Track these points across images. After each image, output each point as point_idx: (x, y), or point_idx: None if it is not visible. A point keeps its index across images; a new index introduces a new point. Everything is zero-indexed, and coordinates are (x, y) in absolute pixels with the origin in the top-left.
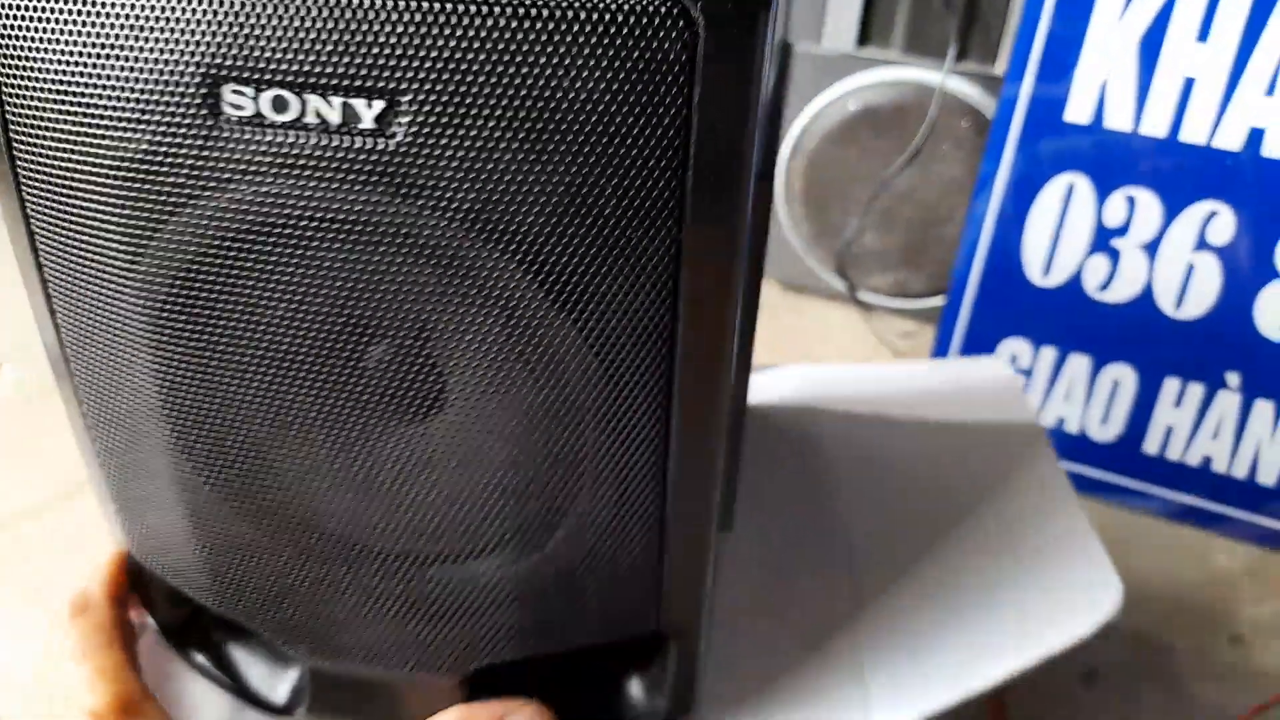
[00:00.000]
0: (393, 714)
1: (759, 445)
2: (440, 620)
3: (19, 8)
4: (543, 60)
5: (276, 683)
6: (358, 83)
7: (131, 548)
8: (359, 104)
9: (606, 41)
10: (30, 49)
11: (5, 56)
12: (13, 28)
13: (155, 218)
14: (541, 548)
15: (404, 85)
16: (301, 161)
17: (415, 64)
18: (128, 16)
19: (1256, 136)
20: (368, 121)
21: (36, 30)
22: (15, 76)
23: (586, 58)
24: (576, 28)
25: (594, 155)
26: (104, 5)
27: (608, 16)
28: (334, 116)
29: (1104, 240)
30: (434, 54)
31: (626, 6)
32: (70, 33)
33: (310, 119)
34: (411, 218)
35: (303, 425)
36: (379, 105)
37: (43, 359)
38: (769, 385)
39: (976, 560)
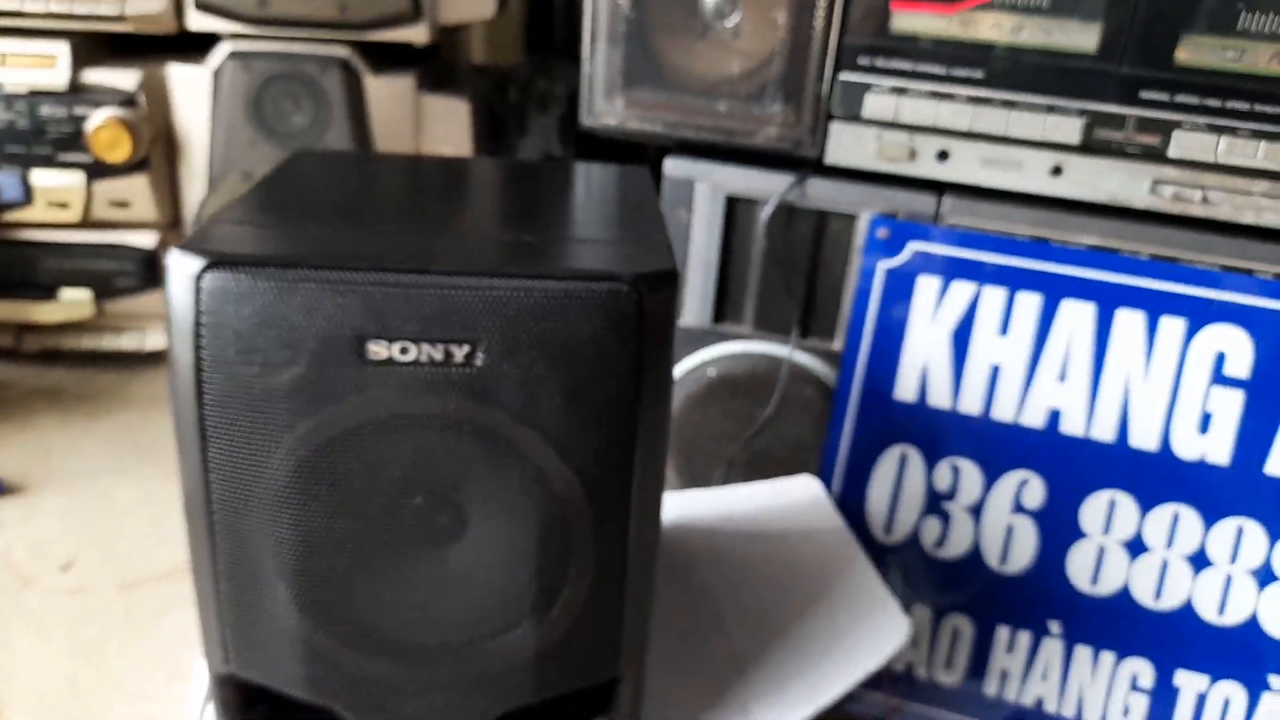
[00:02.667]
0: None
1: None
2: (479, 686)
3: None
4: (560, 320)
5: None
6: (452, 336)
7: (233, 662)
8: (454, 348)
9: (597, 308)
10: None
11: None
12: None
13: (304, 414)
14: (544, 619)
15: (480, 336)
16: (415, 380)
17: (486, 324)
18: (305, 301)
19: (1054, 416)
20: (459, 358)
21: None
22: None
23: (587, 318)
24: (579, 304)
25: (591, 370)
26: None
27: (598, 296)
28: (438, 356)
29: (935, 503)
30: (496, 319)
31: (607, 289)
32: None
33: (423, 359)
34: (482, 413)
35: (374, 561)
36: (466, 349)
37: None
38: None
39: (811, 619)
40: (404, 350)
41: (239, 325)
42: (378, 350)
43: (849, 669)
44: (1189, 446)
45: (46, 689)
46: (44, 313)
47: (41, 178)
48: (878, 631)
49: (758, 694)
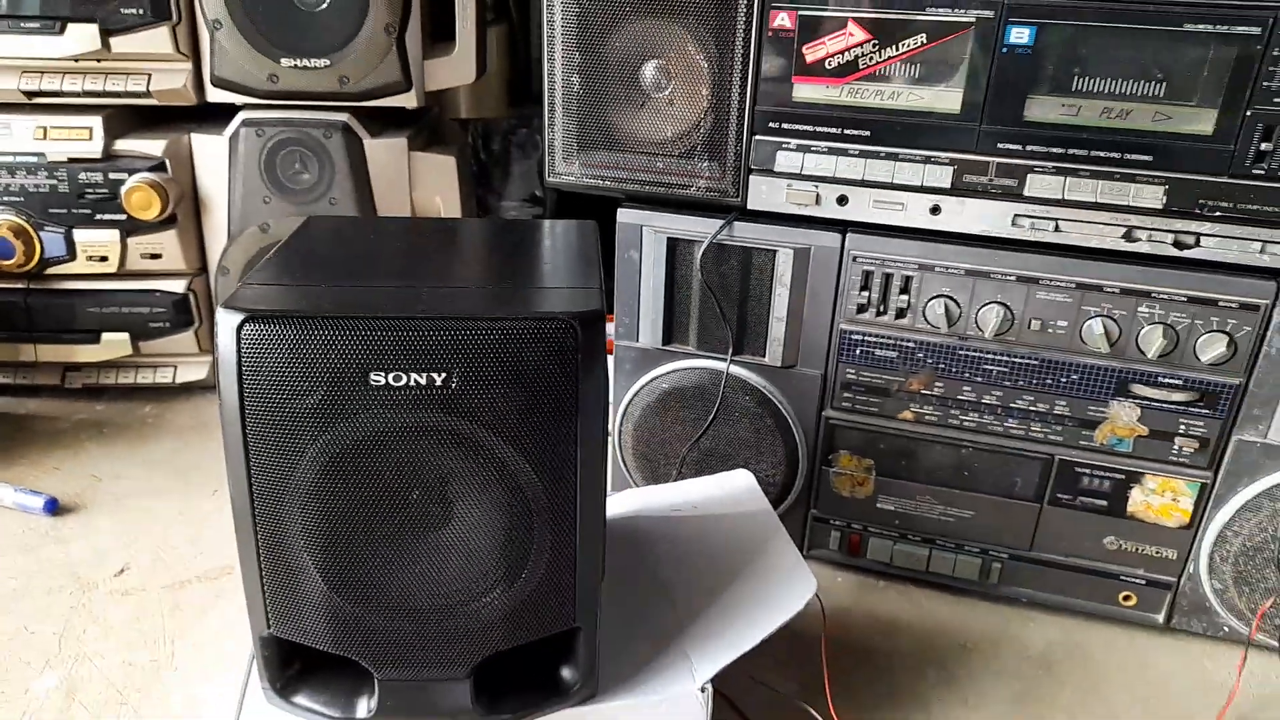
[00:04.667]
0: (430, 704)
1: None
2: (466, 636)
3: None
4: (516, 350)
5: (358, 706)
6: (432, 365)
7: (273, 626)
8: (435, 375)
9: (540, 339)
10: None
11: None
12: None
13: (323, 429)
14: (515, 582)
15: (455, 365)
16: (408, 400)
17: (459, 356)
18: (321, 343)
19: None
20: (439, 382)
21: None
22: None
23: (536, 348)
24: (530, 338)
25: (542, 385)
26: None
27: (541, 330)
28: (423, 381)
29: None
30: (467, 351)
31: (552, 326)
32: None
33: (412, 383)
34: (456, 424)
35: (381, 541)
36: (443, 375)
37: None
38: (613, 503)
39: (739, 584)
40: (397, 378)
41: (271, 363)
42: (377, 378)
43: (767, 619)
44: None
45: (110, 673)
46: (88, 354)
47: (82, 235)
48: (791, 589)
49: (695, 644)
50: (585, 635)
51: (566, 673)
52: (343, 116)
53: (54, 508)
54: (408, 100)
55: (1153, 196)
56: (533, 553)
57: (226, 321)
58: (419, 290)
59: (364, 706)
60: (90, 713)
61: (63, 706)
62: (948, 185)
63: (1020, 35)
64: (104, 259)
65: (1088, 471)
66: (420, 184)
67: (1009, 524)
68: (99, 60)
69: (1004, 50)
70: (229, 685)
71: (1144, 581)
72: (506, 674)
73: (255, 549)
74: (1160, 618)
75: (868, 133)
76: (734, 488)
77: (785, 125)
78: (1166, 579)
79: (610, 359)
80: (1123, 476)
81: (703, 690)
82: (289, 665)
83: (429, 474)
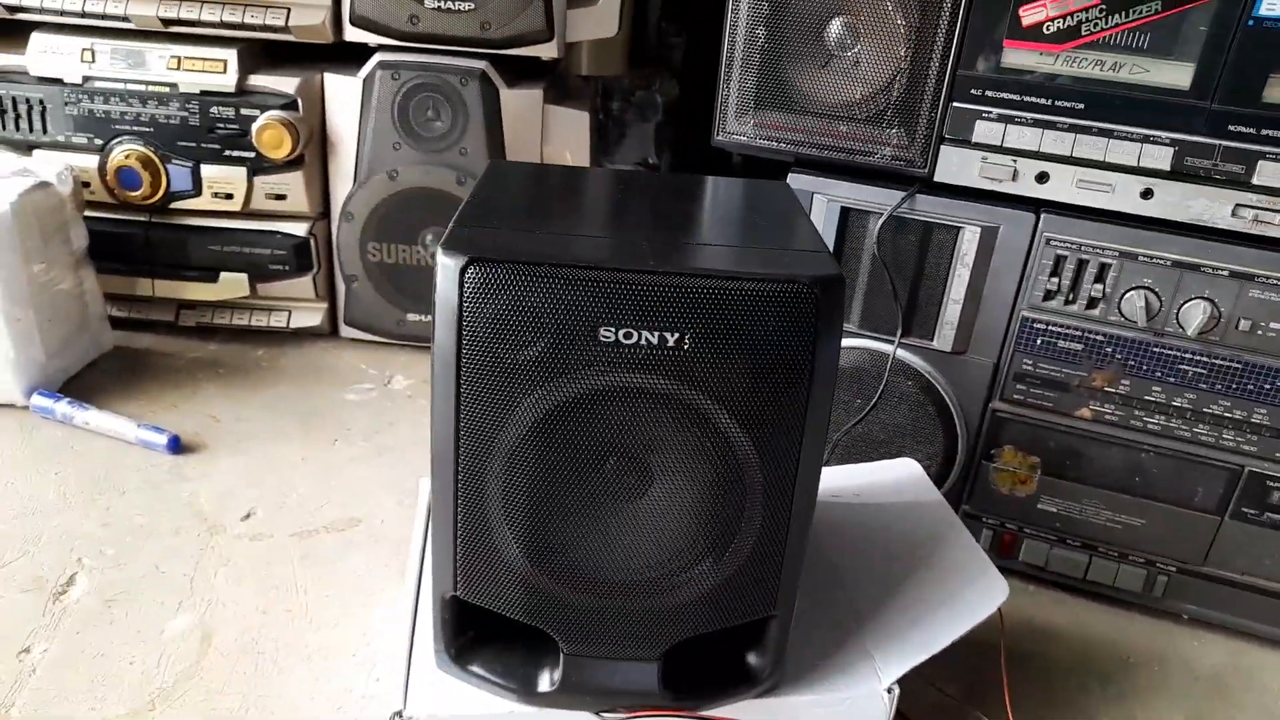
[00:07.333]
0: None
1: None
2: (664, 617)
3: None
4: (753, 314)
5: (539, 679)
6: (667, 324)
7: (460, 589)
8: (668, 335)
9: (781, 303)
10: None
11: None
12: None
13: (541, 384)
14: (719, 563)
15: (689, 325)
16: (635, 360)
17: (694, 315)
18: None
19: None
20: (671, 343)
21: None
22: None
23: (774, 313)
24: (769, 301)
25: (774, 357)
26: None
27: (783, 293)
28: (655, 340)
29: None
30: (703, 311)
31: (792, 289)
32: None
33: (643, 342)
34: (685, 390)
35: (578, 512)
36: (677, 335)
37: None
38: None
39: (920, 579)
40: (628, 335)
41: (493, 309)
42: (607, 334)
43: (956, 621)
44: None
45: (243, 618)
46: (205, 292)
47: (209, 171)
48: (979, 590)
49: (877, 640)
50: (780, 623)
51: (754, 660)
52: (480, 64)
53: (176, 446)
54: (548, 50)
55: None
56: (740, 533)
57: (449, 264)
58: (640, 242)
59: (546, 680)
60: (227, 659)
61: (200, 651)
62: (1167, 168)
63: (1273, 7)
64: (229, 196)
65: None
66: (552, 138)
67: (1182, 535)
68: None
69: (1250, 23)
70: (363, 643)
71: None
72: (692, 658)
73: (453, 506)
74: None
75: (1082, 105)
76: (899, 476)
77: (989, 93)
78: None
79: None
80: None
81: (889, 691)
82: (464, 632)
83: (635, 441)
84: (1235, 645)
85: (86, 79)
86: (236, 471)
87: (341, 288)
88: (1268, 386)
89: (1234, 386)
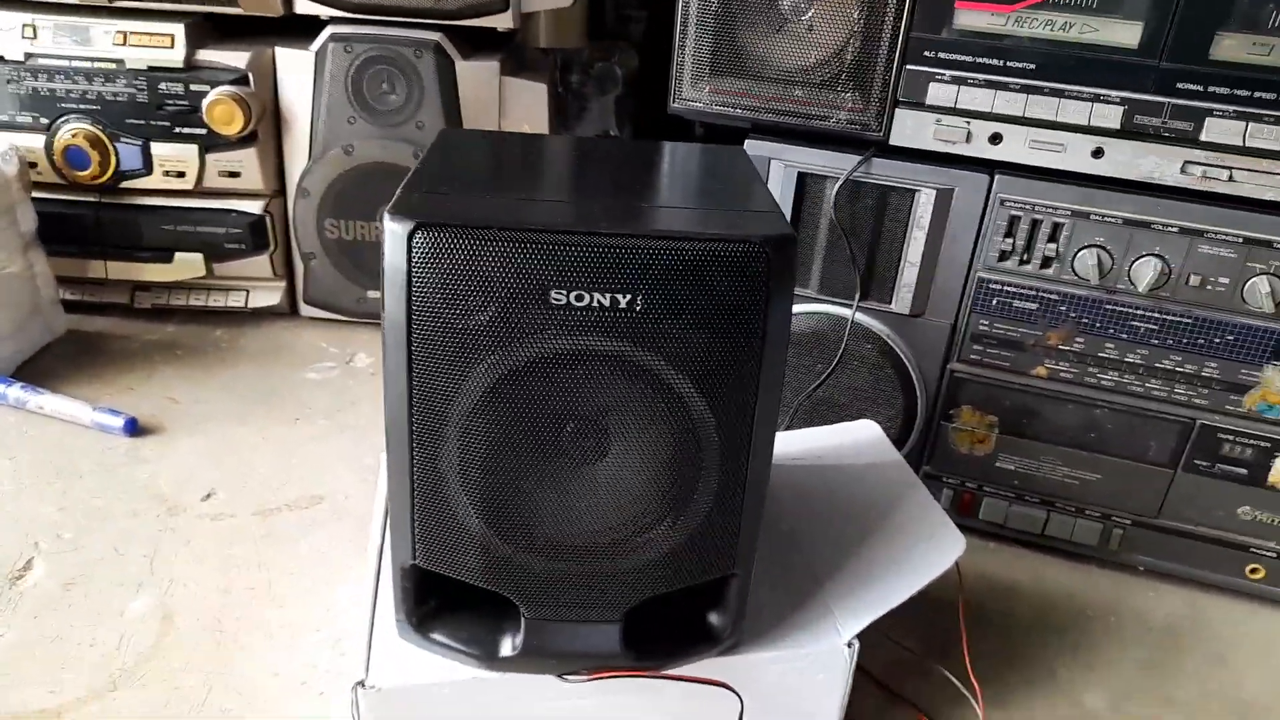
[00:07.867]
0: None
1: None
2: (624, 578)
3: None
4: (705, 274)
5: (501, 644)
6: (618, 286)
7: (419, 557)
8: (620, 296)
9: (732, 263)
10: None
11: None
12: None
13: (493, 349)
14: (676, 524)
15: (640, 287)
16: (588, 323)
17: (646, 277)
18: (498, 256)
19: None
20: (623, 304)
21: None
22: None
23: (726, 273)
24: (721, 262)
25: (727, 317)
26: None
27: (734, 253)
28: (606, 302)
29: None
30: (655, 272)
31: (743, 249)
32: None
33: (594, 304)
34: (639, 352)
35: (534, 477)
36: (628, 296)
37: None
38: None
39: (878, 538)
40: (579, 297)
41: (442, 275)
42: (558, 297)
43: (914, 576)
44: None
45: (204, 598)
46: (160, 273)
47: (160, 149)
48: (936, 545)
49: (837, 597)
50: (739, 582)
51: (715, 619)
52: (435, 35)
53: (133, 428)
54: (503, 20)
55: None
56: (698, 493)
57: (396, 230)
58: (592, 205)
59: (508, 645)
60: (189, 639)
61: (160, 631)
62: (1116, 126)
63: None
64: (181, 174)
65: (1230, 438)
66: (510, 111)
67: (1137, 489)
68: None
69: None
70: (328, 618)
71: (1275, 555)
72: (653, 618)
73: (409, 475)
74: None
75: (1033, 66)
76: (859, 439)
77: (942, 55)
78: None
79: None
80: (1268, 445)
81: (849, 645)
82: (425, 601)
83: (591, 405)
84: (1189, 595)
85: (29, 55)
86: (196, 452)
87: (300, 266)
88: (1217, 340)
89: (1185, 341)
